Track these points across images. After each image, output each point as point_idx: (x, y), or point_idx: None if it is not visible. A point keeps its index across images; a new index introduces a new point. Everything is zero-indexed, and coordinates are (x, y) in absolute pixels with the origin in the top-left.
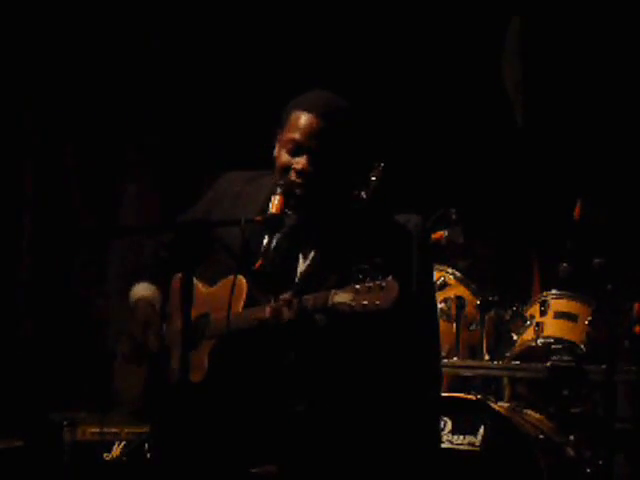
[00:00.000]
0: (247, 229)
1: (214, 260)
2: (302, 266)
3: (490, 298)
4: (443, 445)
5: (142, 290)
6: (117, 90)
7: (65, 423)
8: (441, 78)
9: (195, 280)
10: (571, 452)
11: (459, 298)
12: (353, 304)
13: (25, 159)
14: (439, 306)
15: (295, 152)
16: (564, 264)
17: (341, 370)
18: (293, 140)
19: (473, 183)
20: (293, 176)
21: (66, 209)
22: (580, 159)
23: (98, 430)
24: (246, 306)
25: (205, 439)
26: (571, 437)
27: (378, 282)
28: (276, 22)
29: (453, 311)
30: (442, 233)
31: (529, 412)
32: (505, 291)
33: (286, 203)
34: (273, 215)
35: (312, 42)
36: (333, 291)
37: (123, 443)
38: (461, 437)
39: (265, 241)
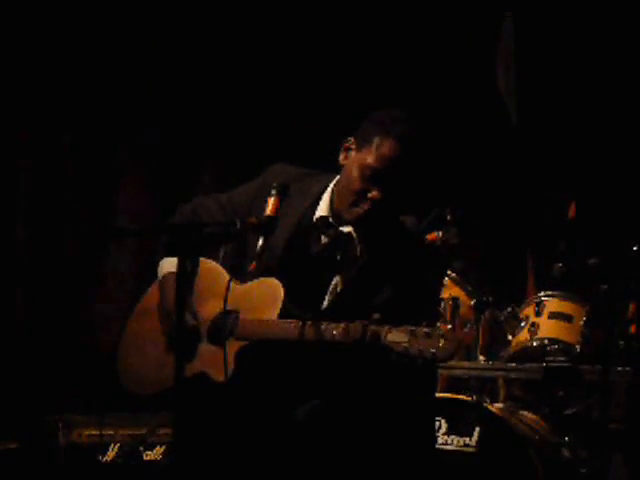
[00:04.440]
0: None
1: (247, 250)
2: (337, 281)
3: (485, 299)
4: (438, 446)
5: (171, 265)
6: (111, 92)
7: (60, 425)
8: (435, 78)
9: (226, 272)
10: (566, 453)
11: (454, 299)
12: (407, 347)
13: (21, 160)
14: None
15: (371, 179)
16: (558, 264)
17: (354, 382)
18: (372, 167)
19: (467, 184)
20: (367, 205)
21: (62, 211)
22: (574, 159)
23: (93, 432)
24: (280, 314)
25: (218, 439)
26: (566, 438)
27: (438, 330)
28: (270, 26)
29: (448, 312)
30: (437, 234)
31: (524, 413)
32: (500, 292)
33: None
34: (268, 217)
35: (307, 45)
36: (387, 328)
37: (118, 445)
38: (456, 438)
39: (260, 243)
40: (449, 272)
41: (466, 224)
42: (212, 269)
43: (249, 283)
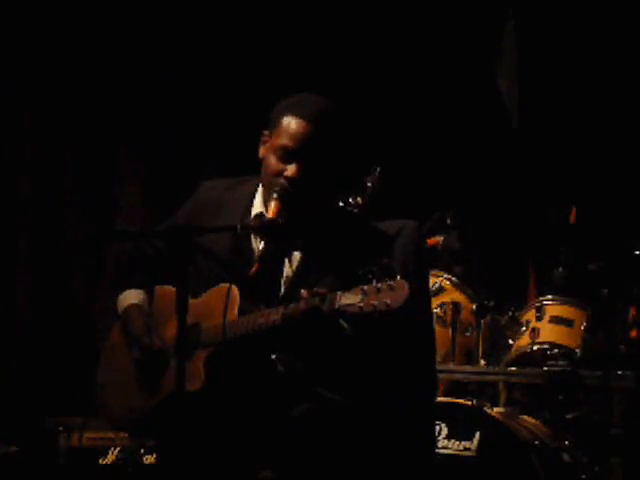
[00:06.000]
0: (235, 236)
1: (196, 270)
2: (287, 270)
3: (486, 303)
4: (438, 450)
5: (130, 298)
6: (112, 98)
7: (60, 428)
8: (436, 82)
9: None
10: (567, 457)
11: (455, 303)
12: (362, 305)
13: (22, 164)
14: (435, 311)
15: (285, 159)
16: (560, 269)
17: (342, 373)
18: (283, 147)
19: (469, 188)
20: (284, 183)
21: (62, 213)
22: (576, 164)
23: (93, 435)
24: (239, 313)
25: (205, 446)
26: (567, 442)
27: (387, 282)
28: (267, 27)
29: (449, 316)
30: (438, 238)
31: (525, 417)
32: (501, 296)
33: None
34: (270, 220)
35: (308, 47)
36: (339, 293)
37: (118, 448)
38: (457, 442)
39: (261, 246)
40: (450, 276)
41: (467, 228)
42: (167, 293)
43: (202, 296)
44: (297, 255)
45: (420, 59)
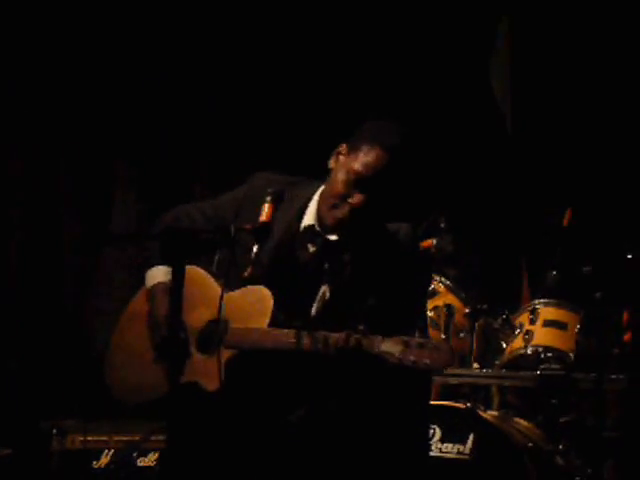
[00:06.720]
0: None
1: (236, 264)
2: (325, 288)
3: (479, 306)
4: (432, 453)
5: (160, 275)
6: (108, 99)
7: (54, 431)
8: (430, 85)
9: (213, 279)
10: (560, 460)
11: (448, 306)
12: (401, 357)
13: (18, 164)
14: (429, 314)
15: (354, 185)
16: (553, 272)
17: (340, 385)
18: (357, 173)
19: (462, 191)
20: (347, 209)
21: (58, 217)
22: (570, 167)
23: (87, 438)
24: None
25: (215, 447)
26: (560, 445)
27: (431, 341)
28: (260, 37)
29: (442, 319)
30: (432, 241)
31: (518, 420)
32: (494, 299)
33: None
34: (263, 223)
35: (302, 49)
36: (379, 338)
37: (112, 451)
38: (450, 445)
39: (255, 249)
40: (443, 279)
41: (461, 231)
42: (197, 276)
43: (237, 291)
44: (336, 280)
45: (415, 61)
